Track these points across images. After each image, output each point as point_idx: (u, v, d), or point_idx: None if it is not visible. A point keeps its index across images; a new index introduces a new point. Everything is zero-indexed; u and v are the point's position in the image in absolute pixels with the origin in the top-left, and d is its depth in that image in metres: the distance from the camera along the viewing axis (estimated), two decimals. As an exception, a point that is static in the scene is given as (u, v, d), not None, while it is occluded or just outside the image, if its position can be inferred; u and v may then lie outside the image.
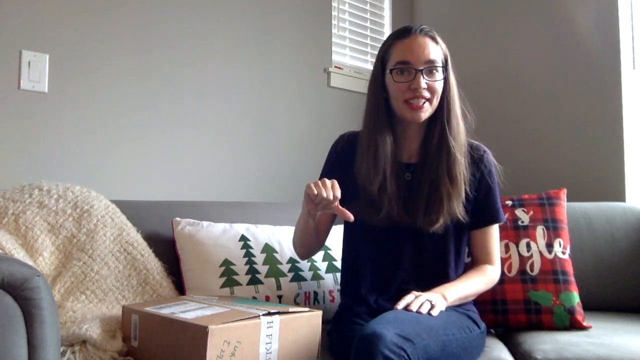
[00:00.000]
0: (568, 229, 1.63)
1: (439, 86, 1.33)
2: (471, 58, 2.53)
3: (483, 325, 1.35)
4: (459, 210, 1.32)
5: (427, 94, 1.31)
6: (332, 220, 1.48)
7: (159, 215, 1.62)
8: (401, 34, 1.35)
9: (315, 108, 2.37)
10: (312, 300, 1.59)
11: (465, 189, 1.34)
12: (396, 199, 1.34)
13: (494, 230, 1.42)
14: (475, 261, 1.42)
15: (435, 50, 1.33)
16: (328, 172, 1.46)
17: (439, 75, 1.32)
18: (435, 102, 1.34)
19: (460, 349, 1.20)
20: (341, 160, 1.43)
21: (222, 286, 1.47)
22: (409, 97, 1.31)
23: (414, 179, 1.37)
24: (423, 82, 1.29)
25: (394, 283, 1.35)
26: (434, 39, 1.34)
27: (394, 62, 1.32)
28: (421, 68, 1.30)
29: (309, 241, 1.44)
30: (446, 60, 1.35)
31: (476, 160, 1.39)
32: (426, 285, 1.30)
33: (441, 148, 1.34)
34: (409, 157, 1.40)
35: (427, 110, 1.32)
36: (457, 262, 1.38)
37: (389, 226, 1.34)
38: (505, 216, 1.61)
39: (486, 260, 1.40)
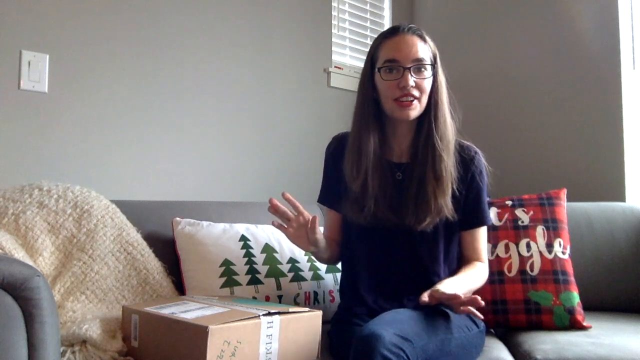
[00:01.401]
0: (568, 229, 1.63)
1: (427, 84, 1.33)
2: (471, 58, 2.53)
3: (482, 324, 1.35)
4: (447, 208, 1.32)
5: (415, 93, 1.31)
6: (341, 222, 1.47)
7: (159, 215, 1.62)
8: (390, 32, 1.36)
9: (315, 108, 2.37)
10: (312, 300, 1.59)
11: (454, 188, 1.34)
12: (382, 198, 1.34)
13: (482, 231, 1.43)
14: (465, 259, 1.42)
15: (423, 49, 1.33)
16: (326, 175, 1.50)
17: (427, 73, 1.32)
18: (424, 100, 1.34)
19: (459, 349, 1.20)
20: (335, 161, 1.44)
21: (222, 286, 1.47)
22: (398, 96, 1.31)
23: (404, 178, 1.37)
24: (411, 80, 1.30)
25: (390, 283, 1.36)
26: (422, 38, 1.34)
27: (382, 60, 1.33)
28: (409, 66, 1.30)
29: (332, 253, 1.46)
30: (435, 58, 1.35)
31: (467, 160, 1.39)
32: (420, 284, 1.30)
33: (427, 146, 1.34)
34: (399, 156, 1.41)
35: (415, 108, 1.33)
36: (445, 262, 1.38)
37: (379, 226, 1.35)
38: (505, 216, 1.62)
39: (475, 258, 1.41)
